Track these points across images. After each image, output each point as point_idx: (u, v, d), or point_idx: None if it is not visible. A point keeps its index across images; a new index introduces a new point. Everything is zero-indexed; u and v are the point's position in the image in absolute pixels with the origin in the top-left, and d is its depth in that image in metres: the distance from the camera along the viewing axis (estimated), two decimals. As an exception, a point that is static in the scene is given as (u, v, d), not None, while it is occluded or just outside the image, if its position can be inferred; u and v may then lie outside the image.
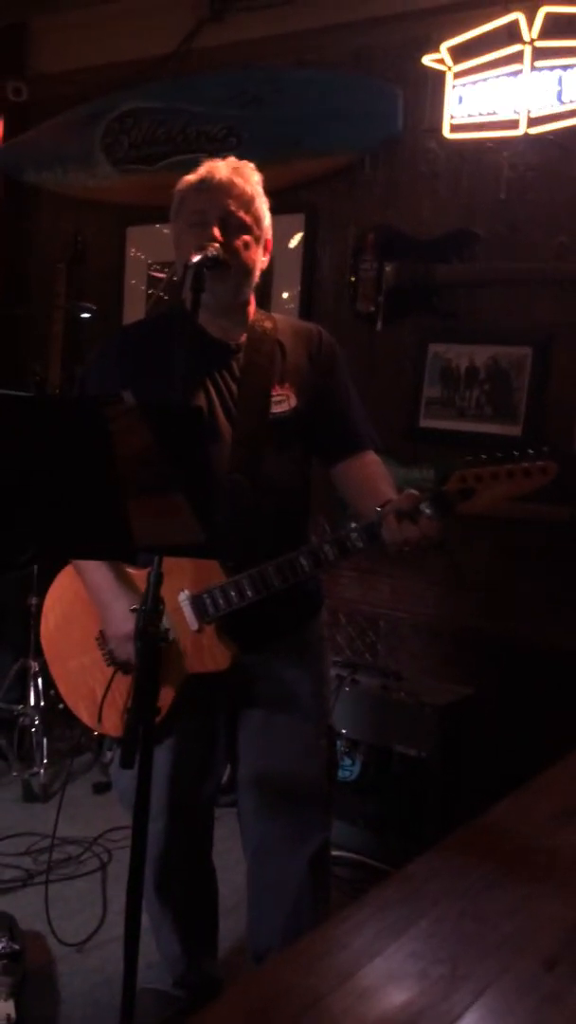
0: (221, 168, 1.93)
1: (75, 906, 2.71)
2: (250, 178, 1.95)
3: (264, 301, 3.73)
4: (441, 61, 3.20)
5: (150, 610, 1.66)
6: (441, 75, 3.21)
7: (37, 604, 3.53)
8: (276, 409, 1.98)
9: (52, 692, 3.61)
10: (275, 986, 0.96)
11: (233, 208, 1.90)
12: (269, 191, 2.02)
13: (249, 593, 1.86)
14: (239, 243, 1.91)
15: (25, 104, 4.33)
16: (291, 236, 3.65)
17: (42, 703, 3.54)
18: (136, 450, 1.38)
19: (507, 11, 3.06)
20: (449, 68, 3.19)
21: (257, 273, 1.99)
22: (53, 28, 4.29)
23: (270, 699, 2.06)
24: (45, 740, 3.48)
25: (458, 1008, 0.94)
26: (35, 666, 3.56)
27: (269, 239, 2.01)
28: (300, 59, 3.62)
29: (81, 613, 2.04)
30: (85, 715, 2.06)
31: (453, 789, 2.89)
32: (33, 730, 3.51)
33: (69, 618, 2.07)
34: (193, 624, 1.92)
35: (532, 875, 1.27)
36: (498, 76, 3.10)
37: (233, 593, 1.87)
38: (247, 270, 1.95)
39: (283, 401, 1.99)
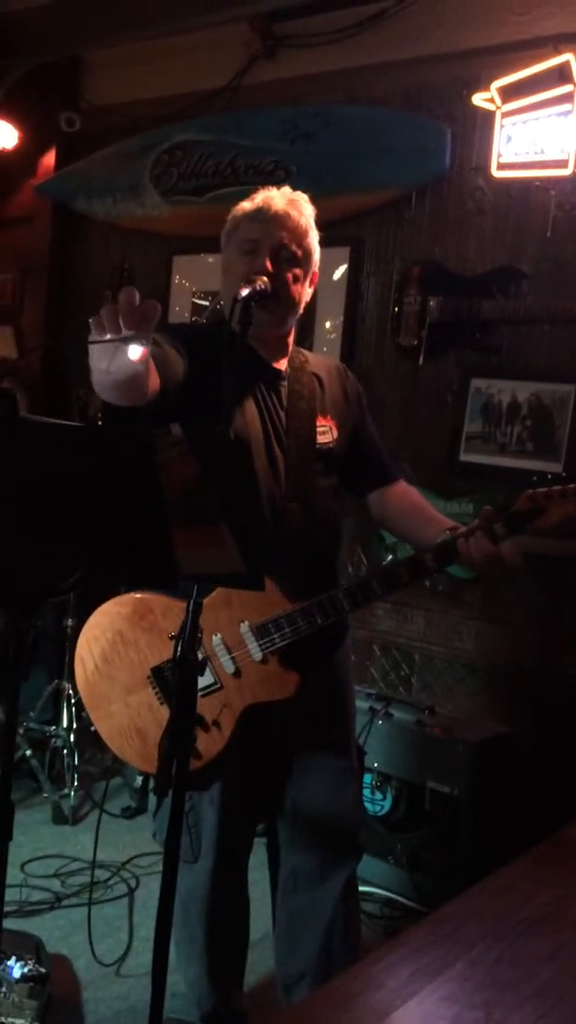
0: (277, 199, 1.93)
1: (103, 931, 2.70)
2: (304, 211, 1.96)
3: (307, 332, 3.78)
4: (491, 100, 3.22)
5: (188, 638, 1.67)
6: (490, 114, 3.24)
7: (73, 626, 3.56)
8: (321, 440, 2.00)
9: (84, 714, 3.62)
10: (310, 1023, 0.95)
11: (286, 240, 1.91)
12: (316, 224, 2.04)
13: (319, 620, 1.86)
14: (289, 275, 1.92)
15: (77, 134, 4.42)
16: (336, 268, 3.68)
17: (75, 725, 3.55)
18: (182, 480, 1.40)
19: (557, 52, 3.08)
20: (498, 107, 3.22)
21: (302, 307, 2.01)
22: (107, 61, 4.39)
23: (306, 729, 2.05)
24: (76, 763, 3.49)
25: (495, 1055, 0.92)
26: (69, 688, 3.58)
27: (316, 272, 2.02)
28: (350, 95, 3.67)
29: (126, 654, 2.00)
30: (136, 759, 2.00)
31: (486, 828, 2.85)
32: (65, 752, 3.52)
33: (111, 660, 2.02)
34: (257, 654, 1.90)
35: (568, 923, 1.25)
36: (548, 116, 3.12)
37: (301, 621, 1.87)
38: (294, 303, 1.96)
39: (327, 432, 2.02)
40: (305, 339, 3.81)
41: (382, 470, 2.13)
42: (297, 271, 1.94)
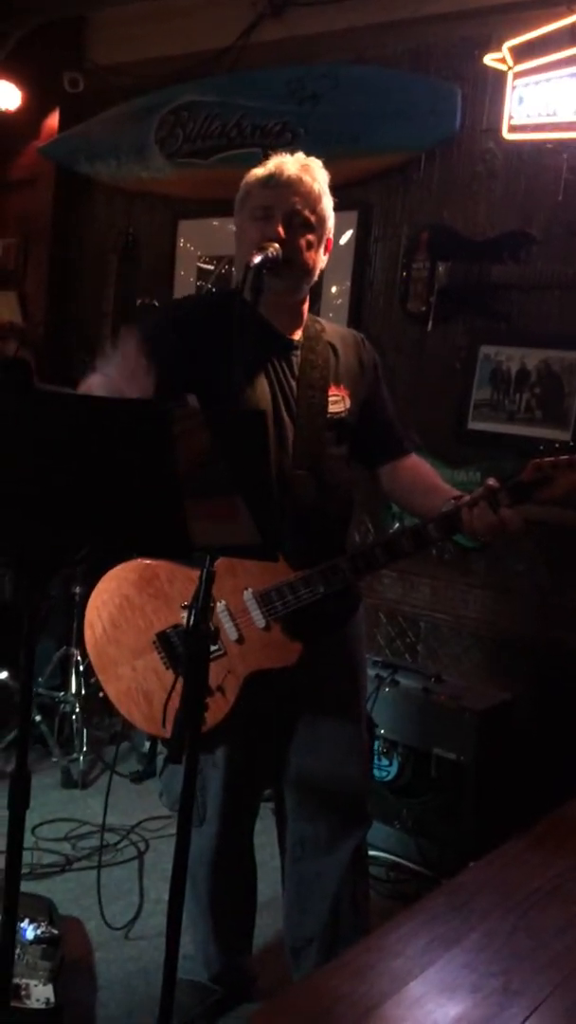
0: (290, 164, 1.91)
1: (113, 894, 2.74)
2: (318, 176, 1.93)
3: (314, 297, 3.73)
4: (502, 60, 3.17)
5: (202, 608, 1.67)
6: (502, 75, 3.18)
7: (81, 593, 3.57)
8: (333, 409, 1.99)
9: (93, 680, 3.65)
10: (330, 993, 0.96)
11: (299, 206, 1.89)
12: (329, 189, 2.00)
13: (321, 588, 1.86)
14: (302, 241, 1.90)
15: (81, 95, 4.35)
16: (343, 233, 3.64)
17: (83, 691, 3.57)
18: (196, 451, 1.39)
19: (571, 11, 3.02)
20: (510, 68, 3.16)
21: (316, 273, 1.99)
22: (111, 21, 4.31)
23: (314, 697, 2.07)
24: (85, 728, 3.52)
25: (514, 1023, 0.94)
26: (77, 654, 3.60)
27: (330, 239, 2.00)
28: (359, 56, 3.61)
29: (132, 618, 2.02)
30: (142, 721, 2.03)
31: (491, 794, 2.88)
32: (73, 718, 3.55)
33: (119, 624, 2.04)
34: (260, 622, 1.91)
35: (583, 891, 1.26)
36: (560, 77, 3.06)
37: (303, 589, 1.87)
38: (307, 269, 1.94)
39: (339, 401, 2.00)
40: (312, 305, 3.75)
41: (394, 443, 2.11)
42: (311, 237, 1.92)
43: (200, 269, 4.15)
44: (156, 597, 2.01)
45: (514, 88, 3.16)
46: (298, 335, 2.01)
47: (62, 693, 3.60)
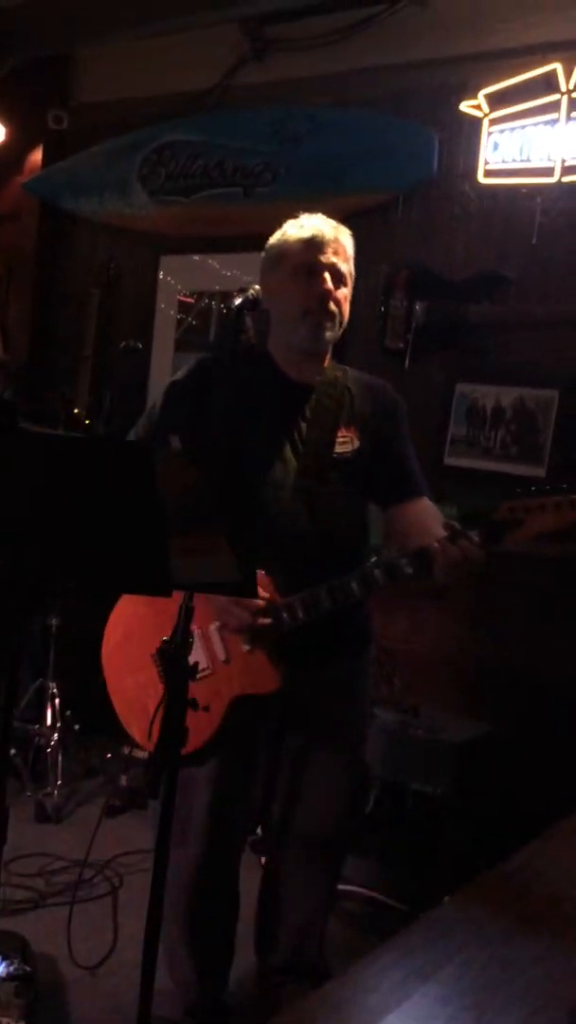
0: (326, 226, 2.04)
1: (87, 930, 2.71)
2: (348, 237, 2.06)
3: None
4: (478, 107, 3.26)
5: (180, 642, 1.70)
6: (477, 121, 3.27)
7: (57, 625, 3.57)
8: (340, 448, 2.06)
9: (68, 713, 3.64)
10: (307, 1027, 0.97)
11: (339, 263, 2.01)
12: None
13: (300, 614, 1.92)
14: (342, 295, 2.02)
15: (65, 132, 4.42)
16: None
17: (59, 724, 3.56)
18: (181, 489, 1.42)
19: (545, 61, 3.12)
20: (486, 114, 3.25)
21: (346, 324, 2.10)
22: (96, 59, 4.39)
23: (310, 731, 2.11)
24: (60, 761, 3.50)
25: (487, 1056, 0.95)
26: (53, 687, 3.59)
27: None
28: (339, 99, 3.69)
29: (140, 631, 2.08)
30: (137, 732, 2.08)
31: (469, 828, 2.89)
32: (48, 750, 3.52)
33: (129, 636, 2.12)
34: (245, 644, 1.96)
35: (558, 924, 1.28)
36: (534, 124, 3.16)
37: (285, 614, 1.92)
38: (344, 321, 2.06)
39: (347, 442, 2.07)
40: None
41: (403, 486, 2.15)
42: (346, 291, 2.05)
43: (181, 303, 4.20)
44: (162, 612, 2.03)
45: (489, 134, 3.26)
46: (315, 380, 2.09)
47: (37, 726, 3.58)
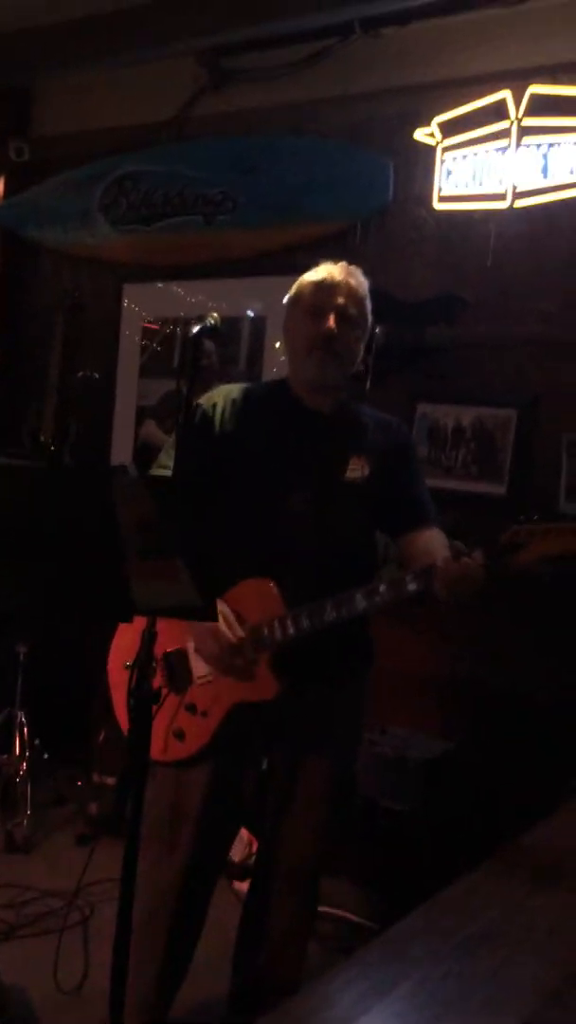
0: (337, 270, 2.16)
1: (58, 960, 2.69)
2: (361, 281, 2.18)
3: (256, 357, 3.85)
4: (431, 135, 3.33)
5: (143, 667, 1.72)
6: (431, 148, 3.34)
7: (26, 653, 3.56)
8: (351, 474, 2.15)
9: (37, 742, 3.63)
10: (266, 1044, 0.99)
11: (348, 305, 2.12)
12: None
13: (305, 625, 1.99)
14: (350, 336, 2.13)
15: (27, 164, 4.44)
16: (284, 296, 3.74)
17: (27, 753, 3.54)
18: (139, 516, 1.44)
19: (496, 90, 3.20)
20: (439, 142, 3.32)
21: (357, 361, 2.21)
22: (56, 91, 4.43)
23: (305, 746, 2.15)
24: (29, 790, 3.48)
25: (442, 1068, 0.97)
26: (20, 715, 3.58)
27: (370, 333, 2.23)
28: (297, 128, 3.75)
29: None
30: None
31: (437, 844, 2.91)
32: (17, 780, 3.51)
33: (137, 642, 2.14)
34: (250, 653, 2.03)
35: (512, 939, 1.31)
36: (486, 151, 3.23)
37: (290, 623, 2.00)
38: (351, 358, 2.17)
39: (358, 469, 2.16)
40: (255, 361, 3.88)
41: (411, 515, 2.23)
42: (356, 332, 2.15)
43: (145, 329, 4.23)
44: (171, 620, 2.08)
45: (443, 161, 3.33)
46: (330, 411, 2.19)
47: (5, 755, 3.56)
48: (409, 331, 3.44)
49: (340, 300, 2.12)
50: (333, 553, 2.12)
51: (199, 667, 2.11)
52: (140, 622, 2.17)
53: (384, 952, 1.24)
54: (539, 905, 1.41)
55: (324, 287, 2.14)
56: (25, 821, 3.42)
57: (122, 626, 2.22)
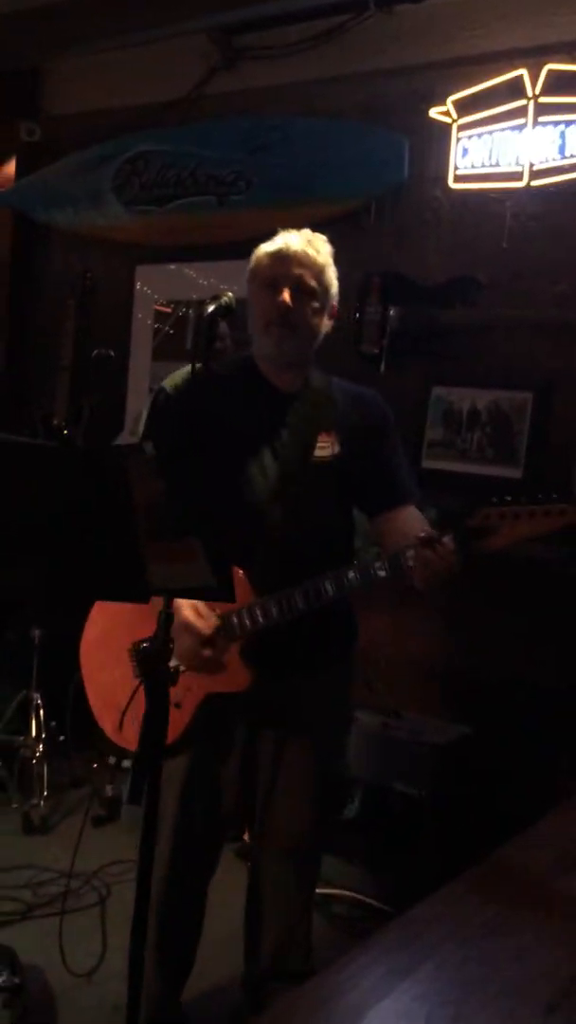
0: (295, 240, 2.06)
1: (75, 940, 2.71)
2: (321, 249, 2.07)
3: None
4: (447, 113, 3.29)
5: (159, 649, 1.71)
6: (447, 127, 3.30)
7: (40, 636, 3.57)
8: (319, 453, 2.09)
9: (53, 724, 3.64)
10: (287, 1027, 0.99)
11: (305, 276, 2.03)
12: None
13: (274, 613, 1.95)
14: (308, 309, 2.04)
15: (38, 145, 4.42)
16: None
17: (43, 735, 3.56)
18: (153, 495, 1.43)
19: (512, 67, 3.16)
20: (454, 120, 3.28)
21: (320, 335, 2.12)
22: (67, 71, 4.40)
23: (288, 733, 2.12)
24: (46, 772, 3.50)
25: (464, 1051, 0.97)
26: (37, 698, 3.59)
27: (335, 305, 2.13)
28: (309, 107, 3.72)
29: (118, 628, 2.11)
30: (108, 726, 2.11)
31: (452, 828, 2.91)
32: (34, 762, 3.52)
33: (108, 632, 2.15)
34: (219, 644, 1.98)
35: (532, 923, 1.30)
36: (502, 129, 3.20)
37: (258, 612, 1.96)
38: (311, 332, 2.08)
39: (327, 447, 2.10)
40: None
41: (388, 494, 2.18)
42: (315, 304, 2.06)
43: (158, 312, 4.21)
44: (140, 609, 2.05)
45: (458, 140, 3.29)
46: (298, 388, 2.12)
47: (21, 738, 3.58)
48: (424, 313, 3.41)
49: (297, 271, 2.02)
50: (303, 536, 2.05)
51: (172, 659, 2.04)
52: (107, 614, 2.16)
53: (402, 936, 1.23)
54: (560, 888, 1.40)
55: (280, 258, 2.04)
56: (42, 802, 3.43)
57: (91, 620, 2.19)
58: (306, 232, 2.09)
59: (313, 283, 2.04)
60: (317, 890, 2.95)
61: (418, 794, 2.90)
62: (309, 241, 2.07)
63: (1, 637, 3.57)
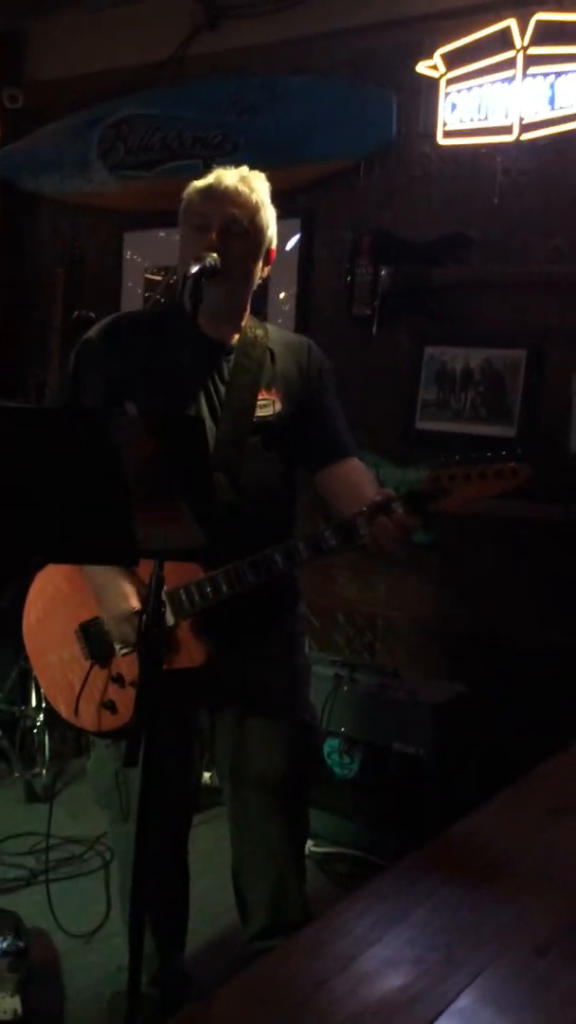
0: (228, 175, 1.95)
1: (78, 904, 2.75)
2: (256, 187, 1.97)
3: (261, 304, 3.79)
4: (435, 67, 3.24)
5: (152, 611, 1.70)
6: (435, 81, 3.25)
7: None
8: (261, 412, 2.00)
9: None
10: (282, 971, 1.00)
11: (236, 216, 1.93)
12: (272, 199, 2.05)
13: (224, 588, 1.87)
14: (238, 251, 1.94)
15: (21, 111, 4.36)
16: (288, 239, 3.69)
17: (44, 704, 3.57)
18: (140, 459, 1.42)
19: (500, 18, 3.11)
20: (442, 74, 3.24)
21: (255, 281, 2.03)
22: (49, 35, 4.33)
23: (244, 695, 2.08)
24: (47, 740, 3.52)
25: (454, 991, 0.98)
26: (36, 667, 3.60)
27: (272, 249, 2.04)
28: (295, 66, 3.66)
29: (61, 608, 2.07)
30: (63, 708, 2.08)
31: (450, 786, 2.93)
32: (35, 731, 3.54)
33: (50, 613, 2.09)
34: (169, 620, 1.90)
35: (526, 870, 1.31)
36: (491, 82, 3.15)
37: (208, 589, 1.88)
38: (244, 277, 1.98)
39: (268, 405, 2.01)
40: (258, 312, 3.80)
41: (331, 448, 2.10)
42: (248, 246, 1.96)
43: (147, 280, 4.17)
44: (82, 589, 2.04)
45: (447, 94, 3.24)
46: (234, 340, 2.03)
47: (23, 707, 3.59)
48: (415, 272, 3.38)
49: (229, 209, 1.91)
50: (249, 504, 1.97)
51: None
52: (45, 596, 2.10)
53: (397, 882, 1.24)
54: (555, 836, 1.41)
55: (210, 194, 1.93)
56: (44, 771, 3.45)
57: (29, 601, 2.13)
58: (243, 169, 1.99)
59: (246, 223, 1.93)
60: (318, 848, 3.03)
61: (416, 753, 2.91)
62: (243, 178, 1.96)
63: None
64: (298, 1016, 0.93)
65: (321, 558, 1.88)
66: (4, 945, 2.30)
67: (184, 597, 1.91)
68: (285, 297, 3.76)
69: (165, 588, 1.86)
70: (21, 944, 2.34)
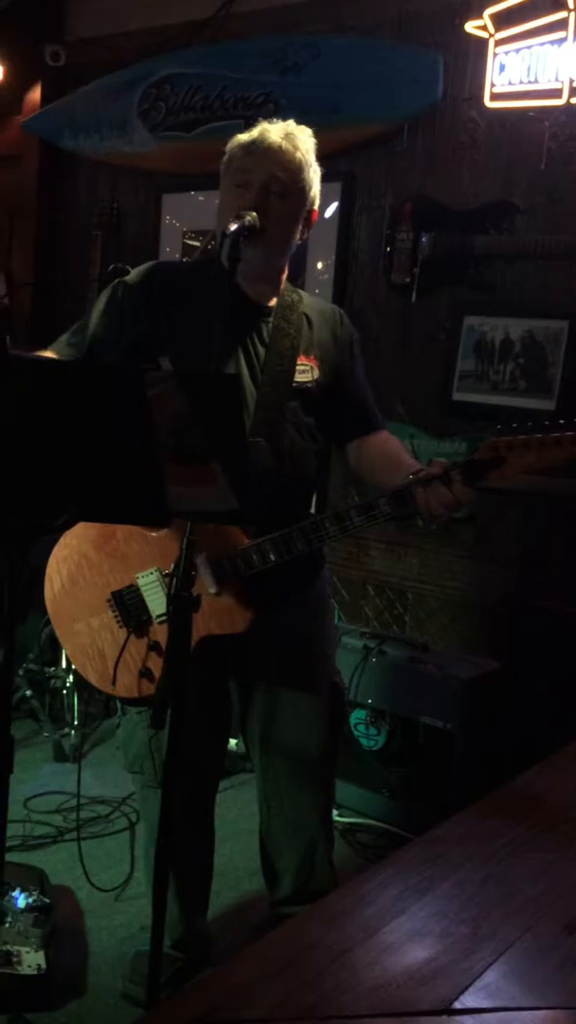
0: (273, 132, 1.90)
1: (104, 863, 2.78)
2: (301, 145, 1.91)
3: (299, 271, 3.74)
4: (483, 27, 3.15)
5: (183, 575, 1.69)
6: (483, 42, 3.17)
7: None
8: (299, 378, 1.98)
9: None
10: (301, 940, 0.99)
11: (279, 175, 1.88)
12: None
13: (272, 557, 1.85)
14: (279, 212, 1.89)
15: (63, 69, 4.32)
16: (327, 205, 3.63)
17: (73, 666, 3.59)
18: (172, 416, 1.40)
19: (552, -23, 3.01)
20: (491, 35, 3.14)
21: (294, 243, 1.98)
22: (92, -8, 4.28)
23: (271, 664, 2.09)
24: (76, 702, 3.54)
25: (480, 965, 0.96)
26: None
27: (314, 210, 1.99)
28: (339, 24, 3.58)
29: (90, 575, 2.04)
30: (94, 677, 2.06)
31: (477, 761, 2.91)
32: (64, 692, 3.57)
33: (76, 580, 2.07)
34: (211, 588, 1.89)
35: (556, 843, 1.28)
36: (541, 44, 3.05)
37: (255, 557, 1.86)
38: (283, 239, 1.94)
39: (307, 371, 1.99)
40: (297, 279, 3.76)
41: (363, 419, 2.08)
42: (289, 207, 1.91)
43: (186, 245, 4.13)
44: (113, 556, 2.02)
45: (495, 56, 3.15)
46: (272, 303, 2.00)
47: (52, 668, 3.62)
48: (457, 240, 3.31)
49: (271, 167, 1.85)
50: (288, 468, 1.95)
51: (156, 605, 1.97)
52: (68, 565, 2.05)
53: (422, 855, 1.23)
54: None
55: (253, 151, 1.87)
56: (72, 732, 3.48)
57: (48, 576, 2.10)
58: (289, 123, 1.93)
59: (288, 182, 1.87)
60: (342, 818, 3.03)
61: (444, 727, 2.90)
62: (288, 134, 1.89)
63: (27, 566, 3.57)
64: (319, 984, 0.91)
65: (370, 525, 1.86)
66: (30, 900, 2.33)
67: (227, 565, 1.89)
68: (323, 267, 3.70)
69: (211, 556, 1.89)
70: (47, 900, 2.36)
